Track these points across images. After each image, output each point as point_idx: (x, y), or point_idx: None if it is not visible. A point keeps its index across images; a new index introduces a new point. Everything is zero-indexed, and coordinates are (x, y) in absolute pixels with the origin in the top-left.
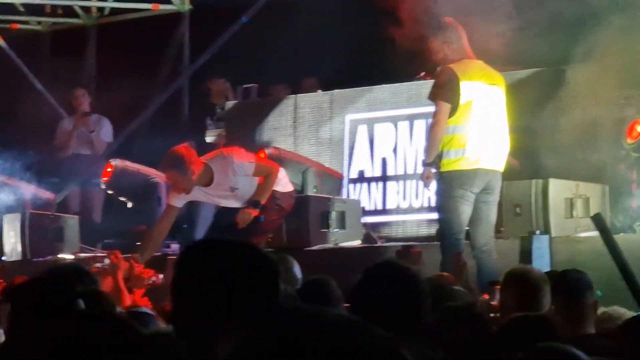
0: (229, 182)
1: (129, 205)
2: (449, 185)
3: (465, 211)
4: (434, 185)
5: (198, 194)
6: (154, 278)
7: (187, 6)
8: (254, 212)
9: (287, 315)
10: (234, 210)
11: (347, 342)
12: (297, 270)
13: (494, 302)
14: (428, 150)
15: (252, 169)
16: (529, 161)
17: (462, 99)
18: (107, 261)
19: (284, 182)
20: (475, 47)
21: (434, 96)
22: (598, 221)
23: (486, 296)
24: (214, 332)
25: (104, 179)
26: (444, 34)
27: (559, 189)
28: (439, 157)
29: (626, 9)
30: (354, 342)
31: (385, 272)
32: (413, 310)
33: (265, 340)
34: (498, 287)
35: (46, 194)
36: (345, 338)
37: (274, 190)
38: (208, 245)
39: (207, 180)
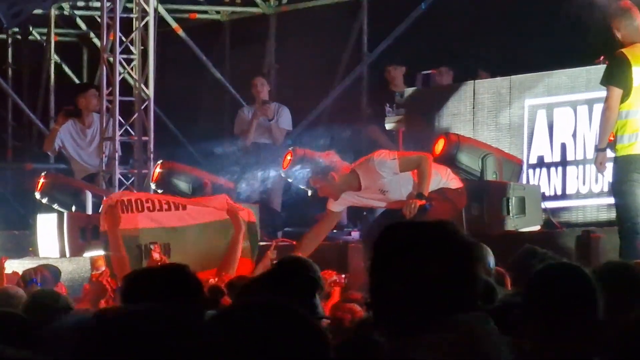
0: (377, 184)
1: (310, 193)
2: (623, 169)
3: None
4: (609, 170)
5: (354, 199)
6: (335, 278)
7: None
8: (419, 202)
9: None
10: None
11: None
12: (491, 260)
13: None
14: (601, 135)
15: (397, 165)
16: None
17: (635, 84)
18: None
19: (449, 180)
20: None
21: (605, 81)
22: None
23: None
24: (414, 327)
25: (284, 167)
26: (615, 19)
27: None
28: (614, 142)
29: None
30: None
31: (559, 273)
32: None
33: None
34: None
35: (227, 183)
36: None
37: (443, 188)
38: (413, 229)
39: (355, 185)
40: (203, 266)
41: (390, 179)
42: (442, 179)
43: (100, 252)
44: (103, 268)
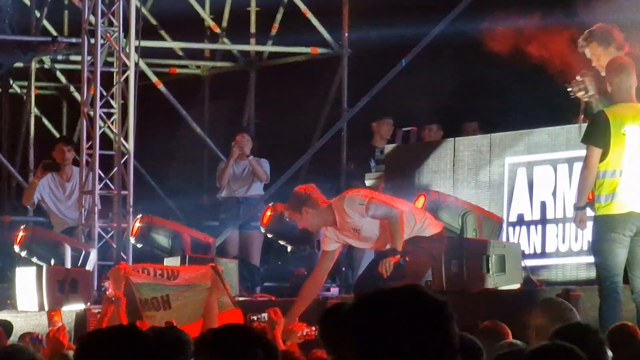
0: (348, 223)
1: (289, 249)
2: (601, 229)
3: (620, 254)
4: (589, 228)
5: (337, 235)
6: (306, 330)
7: (346, 49)
8: (393, 259)
9: None
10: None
11: None
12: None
13: None
14: (579, 194)
15: (364, 209)
16: None
17: (614, 143)
18: (265, 315)
19: (424, 226)
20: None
21: (585, 140)
22: None
23: None
24: None
25: (264, 222)
26: (610, 73)
27: None
28: (593, 201)
29: None
30: None
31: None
32: None
33: None
34: None
35: (206, 238)
36: None
37: (417, 237)
38: (383, 297)
39: (331, 220)
40: (189, 319)
41: (361, 219)
42: (417, 224)
43: (76, 306)
44: (60, 324)
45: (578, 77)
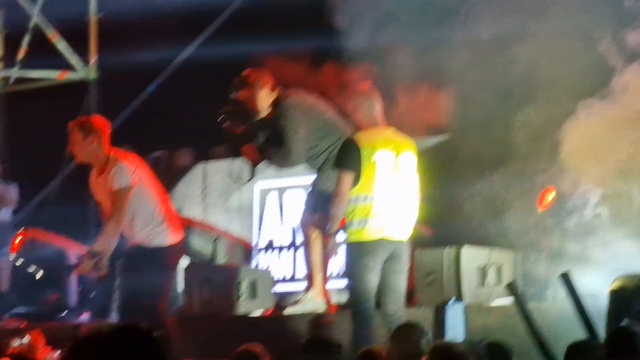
0: (108, 184)
1: (38, 275)
2: (354, 255)
3: (372, 280)
4: (342, 254)
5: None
6: (52, 355)
7: (93, 74)
8: (88, 266)
9: None
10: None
11: None
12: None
13: None
14: (331, 220)
15: (124, 189)
16: (441, 229)
17: (365, 169)
18: (26, 339)
19: (162, 225)
20: (387, 114)
21: (336, 165)
22: (513, 289)
23: None
24: None
25: (14, 248)
26: (353, 103)
27: (471, 257)
28: (345, 226)
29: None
30: None
31: None
32: None
33: None
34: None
35: None
36: None
37: (140, 250)
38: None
39: (100, 166)
40: None
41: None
42: (155, 216)
43: None
44: None
45: (227, 109)
